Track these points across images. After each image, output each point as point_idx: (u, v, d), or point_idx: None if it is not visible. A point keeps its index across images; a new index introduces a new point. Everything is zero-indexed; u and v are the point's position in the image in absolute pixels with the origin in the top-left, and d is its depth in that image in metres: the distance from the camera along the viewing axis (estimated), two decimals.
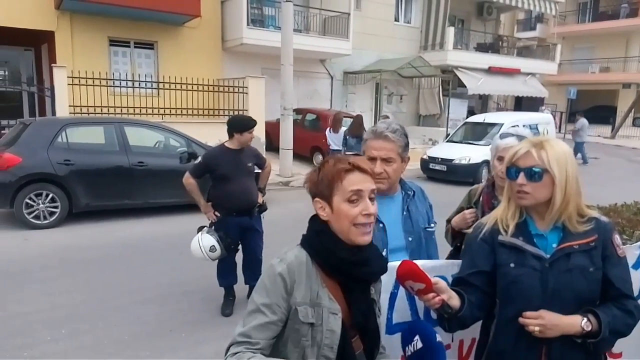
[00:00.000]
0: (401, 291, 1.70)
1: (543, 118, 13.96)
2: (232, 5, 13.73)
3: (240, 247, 4.36)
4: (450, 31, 18.46)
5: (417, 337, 1.22)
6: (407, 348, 1.23)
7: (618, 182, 11.77)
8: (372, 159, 1.94)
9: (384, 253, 1.93)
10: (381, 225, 1.94)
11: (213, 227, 4.11)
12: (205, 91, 12.12)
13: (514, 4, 20.12)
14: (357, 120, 9.52)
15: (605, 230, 1.55)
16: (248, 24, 13.53)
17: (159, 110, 11.36)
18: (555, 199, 1.49)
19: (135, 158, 7.28)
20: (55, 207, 6.82)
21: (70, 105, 10.10)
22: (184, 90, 11.59)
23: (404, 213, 2.02)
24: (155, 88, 11.79)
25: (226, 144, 4.16)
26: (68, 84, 10.13)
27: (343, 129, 9.85)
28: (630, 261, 2.13)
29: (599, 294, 1.52)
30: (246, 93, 12.22)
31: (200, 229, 4.12)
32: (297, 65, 11.77)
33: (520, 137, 2.24)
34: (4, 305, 4.29)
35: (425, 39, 19.18)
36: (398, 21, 18.94)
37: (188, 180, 4.16)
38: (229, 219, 4.12)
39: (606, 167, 14.75)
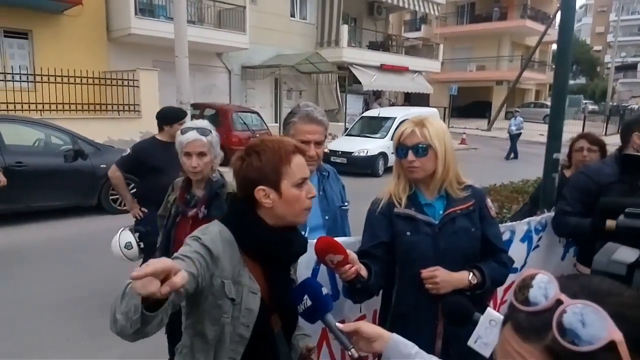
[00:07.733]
0: (322, 268, 1.80)
1: (429, 112, 15.11)
2: None
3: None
4: (345, 29, 19.12)
5: (305, 297, 1.33)
6: (299, 307, 1.35)
7: (494, 167, 13.14)
8: (305, 143, 1.96)
9: (305, 233, 1.97)
10: None
11: (140, 225, 3.74)
12: (90, 84, 11.25)
13: (400, 4, 21.44)
14: None
15: (479, 195, 1.80)
16: (136, 13, 12.82)
17: (36, 106, 10.32)
18: (437, 169, 1.69)
19: (12, 158, 6.55)
20: None
21: None
22: (65, 83, 10.66)
23: (321, 193, 2.11)
24: (31, 82, 10.66)
25: (157, 137, 3.83)
26: None
27: None
28: (519, 235, 2.42)
29: (479, 250, 1.76)
30: (137, 87, 11.58)
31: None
32: (193, 58, 11.31)
33: (201, 130, 2.28)
34: None
35: (321, 36, 19.67)
36: (294, 17, 19.18)
37: (115, 173, 3.78)
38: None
39: (483, 156, 16.37)
